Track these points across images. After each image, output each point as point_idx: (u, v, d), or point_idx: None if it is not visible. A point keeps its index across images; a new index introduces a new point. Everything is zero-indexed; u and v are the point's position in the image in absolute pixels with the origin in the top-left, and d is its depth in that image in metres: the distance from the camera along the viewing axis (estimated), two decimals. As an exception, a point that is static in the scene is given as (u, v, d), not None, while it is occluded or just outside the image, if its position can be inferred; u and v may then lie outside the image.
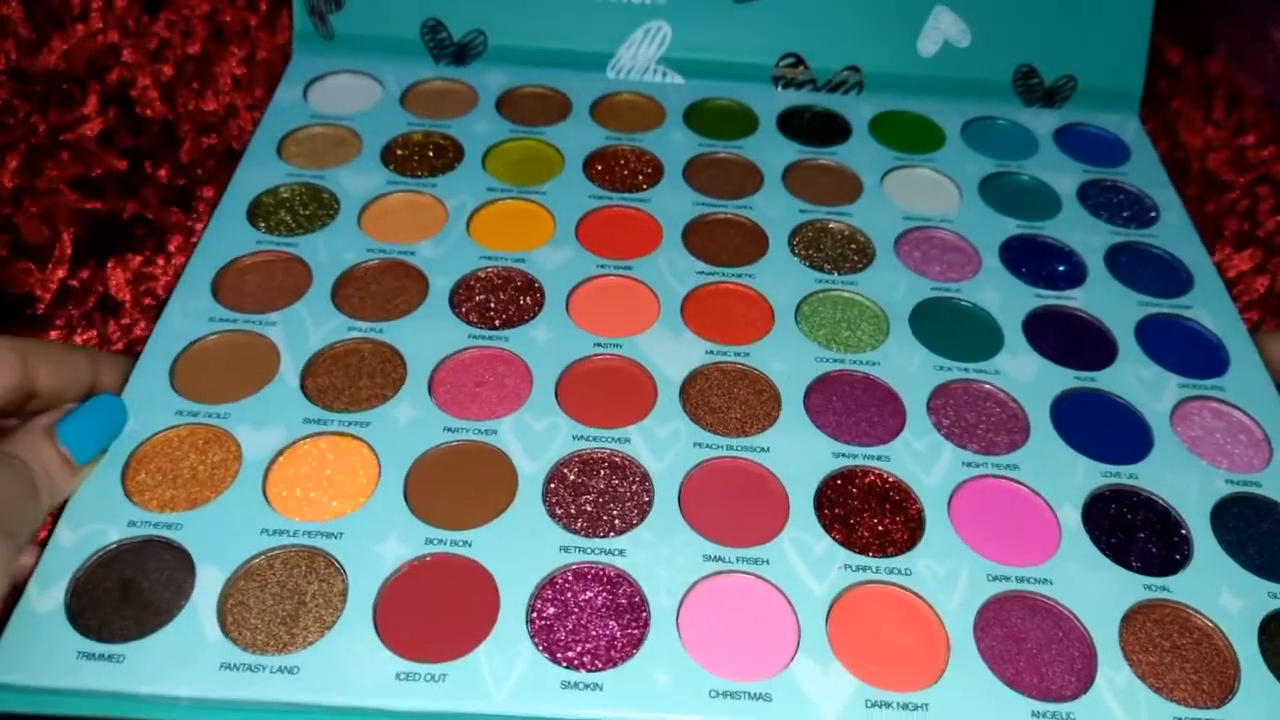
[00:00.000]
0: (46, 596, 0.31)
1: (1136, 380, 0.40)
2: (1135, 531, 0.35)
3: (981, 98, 0.53)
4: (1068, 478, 0.37)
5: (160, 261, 0.42)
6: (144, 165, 0.46)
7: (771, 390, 0.39)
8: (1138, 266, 0.45)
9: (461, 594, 0.32)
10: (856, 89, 0.53)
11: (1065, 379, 0.40)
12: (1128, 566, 0.34)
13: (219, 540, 0.33)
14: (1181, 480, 0.37)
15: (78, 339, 0.40)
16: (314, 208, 0.44)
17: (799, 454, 0.36)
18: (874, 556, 0.34)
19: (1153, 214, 0.48)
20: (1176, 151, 0.48)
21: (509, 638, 0.31)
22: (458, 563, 0.33)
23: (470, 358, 0.39)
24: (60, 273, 0.41)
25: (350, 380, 0.38)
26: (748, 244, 0.44)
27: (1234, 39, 0.53)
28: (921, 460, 0.37)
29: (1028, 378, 0.40)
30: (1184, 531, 0.35)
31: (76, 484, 0.33)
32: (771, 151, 0.49)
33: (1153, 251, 0.46)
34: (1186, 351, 0.41)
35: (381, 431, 0.36)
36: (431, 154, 0.47)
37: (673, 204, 0.45)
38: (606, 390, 0.38)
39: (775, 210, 0.46)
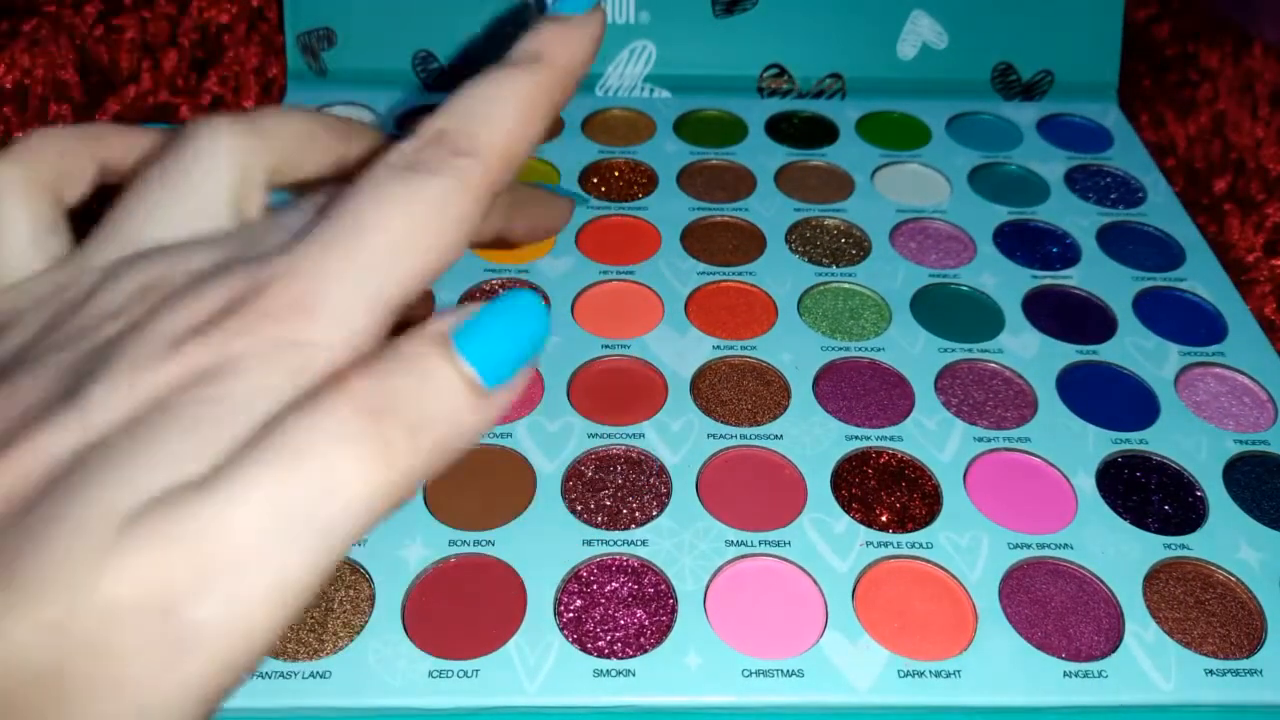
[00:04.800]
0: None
1: (1138, 351, 0.41)
2: (1150, 494, 0.36)
3: (962, 96, 0.54)
4: (1079, 447, 0.37)
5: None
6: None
7: (780, 380, 0.39)
8: (1130, 244, 0.46)
9: (488, 592, 0.32)
10: (839, 95, 0.54)
11: (1068, 354, 0.40)
12: (1146, 528, 0.35)
13: (243, 554, 0.33)
14: (1191, 443, 0.37)
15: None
16: (317, 234, 0.44)
17: (812, 439, 0.37)
18: (894, 533, 0.34)
19: (1140, 194, 0.49)
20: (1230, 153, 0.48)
21: (538, 631, 0.31)
22: (482, 562, 0.33)
23: (481, 366, 0.39)
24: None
25: (363, 394, 0.38)
26: (746, 244, 0.45)
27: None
28: (933, 438, 0.37)
29: (1030, 355, 0.40)
30: (1199, 493, 0.36)
31: (487, 419, 0.19)
32: (763, 156, 0.50)
33: (1143, 229, 0.47)
34: (1184, 321, 0.42)
35: (398, 441, 0.36)
36: (429, 177, 0.48)
37: (669, 210, 0.46)
38: (617, 389, 0.38)
39: (770, 210, 0.47)
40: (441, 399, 0.18)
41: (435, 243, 0.19)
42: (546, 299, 0.34)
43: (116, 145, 0.25)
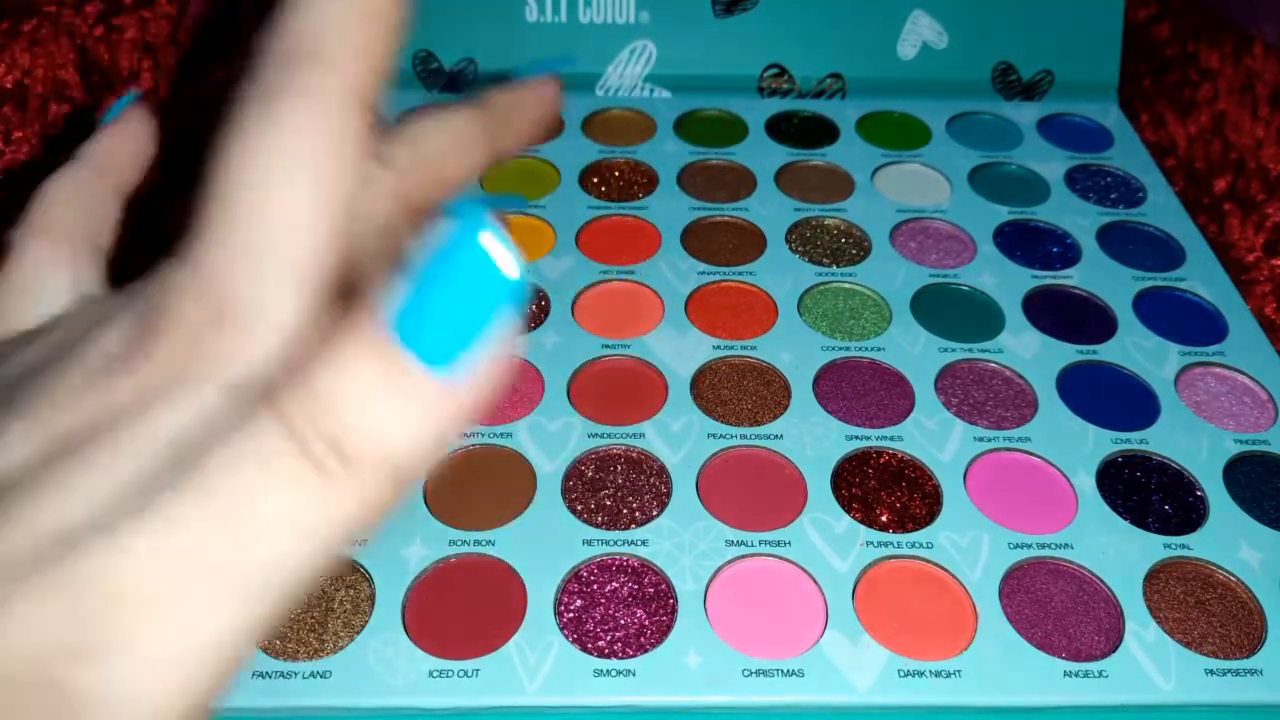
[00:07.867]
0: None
1: (1138, 351, 0.41)
2: (1150, 494, 0.36)
3: (962, 96, 0.54)
4: (1079, 446, 0.37)
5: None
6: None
7: (780, 380, 0.39)
8: (1130, 243, 0.46)
9: (489, 591, 0.32)
10: (839, 95, 0.54)
11: (1068, 353, 0.40)
12: (1146, 528, 0.35)
13: (243, 554, 0.33)
14: (1191, 443, 0.37)
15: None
16: (317, 233, 0.44)
17: (813, 439, 0.37)
18: (894, 532, 0.34)
19: (1140, 194, 0.49)
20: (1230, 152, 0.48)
21: (539, 631, 0.31)
22: (483, 561, 0.33)
23: (481, 366, 0.39)
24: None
25: (363, 394, 0.38)
26: (746, 244, 0.45)
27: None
28: (934, 438, 0.37)
29: (1031, 354, 0.40)
30: (1199, 492, 0.36)
31: (450, 420, 0.14)
32: (763, 155, 0.50)
33: (1143, 229, 0.47)
34: (1185, 321, 0.42)
35: (398, 441, 0.36)
36: (429, 176, 0.48)
37: (670, 210, 0.46)
38: (618, 389, 0.38)
39: (770, 210, 0.47)
40: (386, 408, 0.14)
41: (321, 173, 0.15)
42: (506, 222, 0.25)
43: (129, 170, 0.23)
